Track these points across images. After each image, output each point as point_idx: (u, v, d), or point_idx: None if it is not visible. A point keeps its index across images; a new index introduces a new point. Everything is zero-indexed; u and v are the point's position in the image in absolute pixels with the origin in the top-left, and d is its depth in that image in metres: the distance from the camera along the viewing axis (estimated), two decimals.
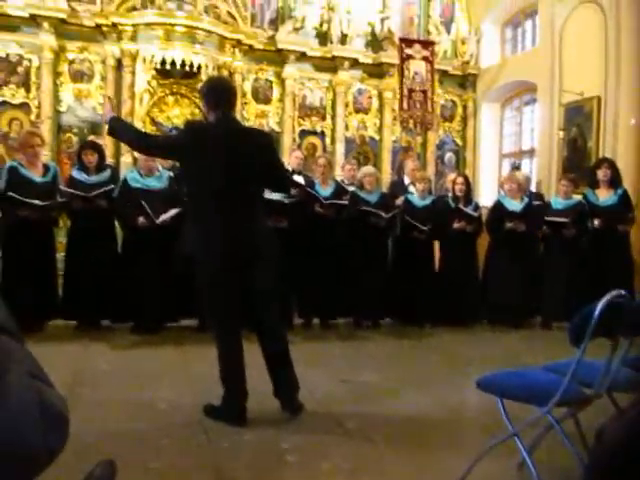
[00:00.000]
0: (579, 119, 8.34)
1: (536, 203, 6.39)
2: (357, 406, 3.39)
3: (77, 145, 8.51)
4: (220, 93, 3.24)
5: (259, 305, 3.18)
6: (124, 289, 5.20)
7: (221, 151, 3.07)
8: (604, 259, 5.87)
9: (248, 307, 3.17)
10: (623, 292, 2.03)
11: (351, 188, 6.04)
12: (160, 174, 5.38)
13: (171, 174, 5.69)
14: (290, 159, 6.18)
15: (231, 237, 3.04)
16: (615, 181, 6.08)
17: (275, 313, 3.26)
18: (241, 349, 3.10)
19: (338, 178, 6.58)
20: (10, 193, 4.76)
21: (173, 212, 5.10)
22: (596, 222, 5.91)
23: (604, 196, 6.08)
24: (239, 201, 3.09)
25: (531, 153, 10.03)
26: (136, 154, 6.99)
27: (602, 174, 6.07)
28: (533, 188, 8.10)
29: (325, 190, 5.76)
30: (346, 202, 5.75)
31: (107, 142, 7.75)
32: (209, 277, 3.11)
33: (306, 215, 5.48)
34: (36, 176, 5.04)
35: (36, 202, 4.81)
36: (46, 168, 5.18)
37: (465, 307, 6.10)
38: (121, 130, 3.34)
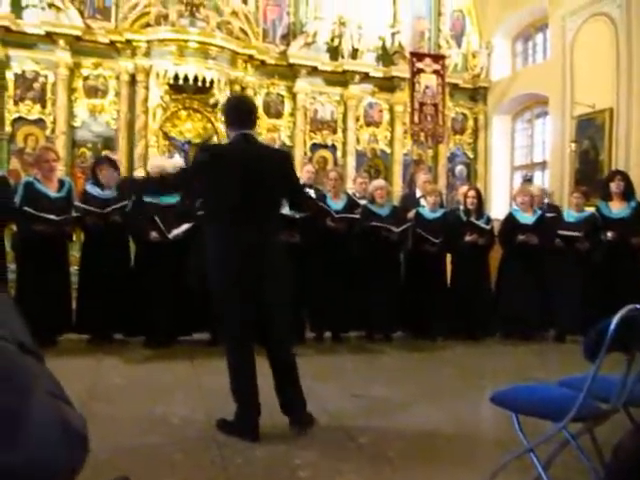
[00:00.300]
0: (591, 131, 8.32)
1: (549, 215, 6.35)
2: (370, 420, 3.37)
3: (91, 160, 8.64)
4: (240, 112, 3.28)
5: (269, 319, 3.19)
6: (136, 303, 5.23)
7: (237, 169, 3.10)
8: (618, 272, 5.83)
9: (258, 321, 3.18)
10: (638, 306, 2.02)
11: (363, 202, 6.05)
12: None
13: None
14: (301, 173, 6.21)
15: (246, 253, 3.07)
16: (628, 193, 6.04)
17: (285, 328, 3.27)
18: (253, 363, 3.10)
19: (350, 191, 6.60)
20: (26, 208, 4.82)
21: (185, 227, 5.13)
22: (609, 235, 5.87)
23: (617, 208, 6.04)
24: (254, 218, 3.12)
25: (543, 165, 10.01)
26: (148, 167, 7.07)
27: (615, 186, 6.03)
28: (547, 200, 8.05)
29: (337, 204, 5.77)
30: (357, 216, 5.75)
31: (120, 157, 7.85)
32: (223, 291, 3.12)
33: (318, 229, 5.49)
34: (51, 191, 5.09)
35: (51, 217, 4.87)
36: (61, 183, 5.24)
37: (478, 320, 6.06)
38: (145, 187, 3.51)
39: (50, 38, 8.31)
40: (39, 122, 8.50)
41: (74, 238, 5.98)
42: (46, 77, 8.49)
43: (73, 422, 0.82)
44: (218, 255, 3.13)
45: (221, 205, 3.14)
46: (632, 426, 2.42)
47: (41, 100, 8.49)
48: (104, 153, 8.24)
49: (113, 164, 5.53)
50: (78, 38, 8.43)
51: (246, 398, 3.06)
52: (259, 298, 3.14)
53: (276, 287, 3.17)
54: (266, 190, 3.17)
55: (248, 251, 3.07)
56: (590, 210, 6.20)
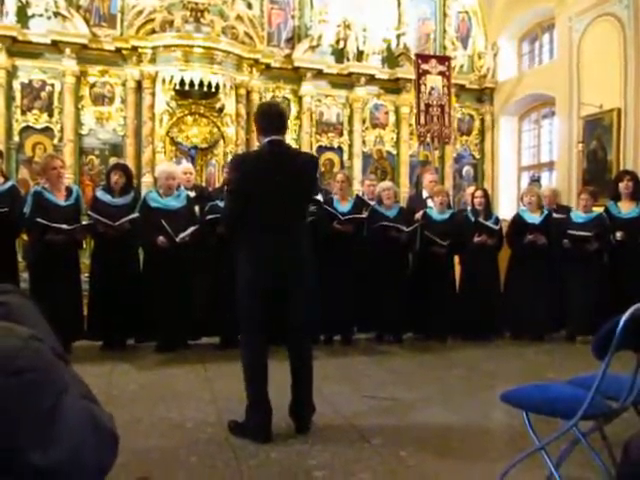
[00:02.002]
0: (599, 132, 8.31)
1: (558, 216, 6.35)
2: (382, 421, 3.39)
3: (99, 167, 8.71)
4: (268, 118, 3.32)
5: (292, 327, 3.24)
6: (145, 308, 5.27)
7: (268, 175, 3.16)
8: (627, 272, 5.82)
9: (282, 324, 3.23)
10: None
11: (372, 203, 6.07)
12: (179, 193, 5.46)
13: (190, 194, 5.78)
14: None
15: (276, 259, 3.13)
16: (637, 193, 6.03)
17: (306, 337, 3.34)
18: (266, 368, 3.16)
19: (359, 194, 6.62)
20: (38, 219, 4.85)
21: (191, 230, 5.18)
22: (618, 235, 5.86)
23: (626, 209, 6.03)
24: (284, 224, 3.19)
25: (550, 166, 10.00)
26: (156, 173, 7.12)
27: (624, 186, 6.02)
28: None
29: (344, 206, 5.80)
30: (363, 216, 5.77)
31: (129, 163, 7.91)
32: (251, 296, 3.17)
33: (325, 232, 5.51)
34: (60, 200, 5.12)
35: (63, 226, 4.90)
36: (69, 191, 5.27)
37: (487, 321, 6.07)
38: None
39: (56, 47, 8.39)
40: (47, 131, 8.57)
41: (84, 245, 6.03)
42: (53, 86, 8.56)
43: (104, 421, 0.85)
44: (246, 260, 3.19)
45: (252, 213, 3.17)
46: None
47: (48, 109, 8.56)
48: (112, 159, 8.32)
49: (127, 171, 5.57)
50: (84, 46, 8.50)
51: (258, 398, 3.11)
52: (284, 301, 3.21)
53: (302, 293, 3.23)
54: (295, 195, 3.24)
55: (280, 259, 3.13)
56: (598, 211, 6.18)
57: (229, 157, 8.76)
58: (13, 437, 0.69)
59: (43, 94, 8.55)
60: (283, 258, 3.15)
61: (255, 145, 9.11)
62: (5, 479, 0.68)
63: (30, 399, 0.71)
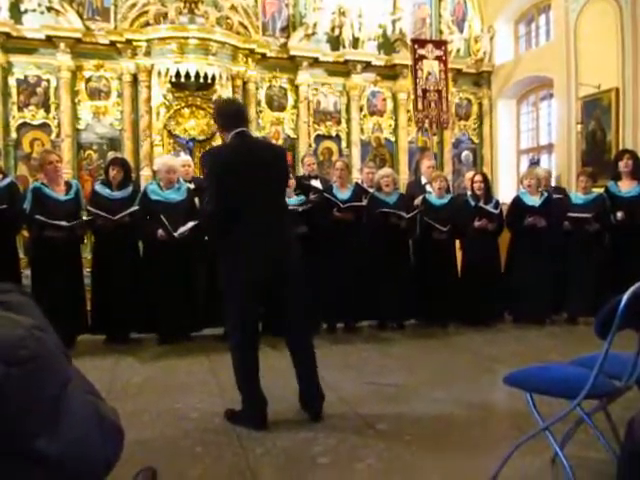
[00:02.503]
0: (597, 112, 8.27)
1: (556, 197, 6.34)
2: (386, 407, 3.40)
3: (97, 162, 8.68)
4: (228, 114, 3.35)
5: (289, 314, 3.24)
6: (147, 300, 5.28)
7: (239, 167, 3.17)
8: (628, 251, 5.81)
9: (278, 315, 3.24)
10: None
11: (371, 190, 6.06)
12: (179, 186, 5.45)
13: (191, 186, 5.78)
14: (303, 165, 6.26)
15: (260, 250, 3.11)
16: (637, 172, 6.01)
17: (304, 322, 3.33)
18: (257, 360, 3.19)
19: (358, 181, 6.61)
20: (37, 216, 4.85)
21: (191, 224, 5.16)
22: (619, 214, 5.85)
23: (626, 188, 6.01)
24: (262, 212, 3.16)
25: (549, 148, 9.97)
26: (156, 166, 7.11)
27: (624, 165, 6.01)
28: (554, 182, 8.04)
29: (343, 194, 5.79)
30: (363, 204, 5.76)
31: (127, 157, 7.89)
32: (233, 290, 3.17)
33: (325, 220, 5.51)
34: (60, 195, 5.12)
35: (63, 223, 4.90)
36: (68, 185, 5.27)
37: (489, 305, 6.07)
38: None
39: (51, 42, 8.34)
40: (44, 127, 8.55)
41: (85, 240, 6.04)
42: (48, 81, 8.53)
43: (109, 416, 0.85)
44: (230, 253, 3.17)
45: (232, 205, 3.14)
46: None
47: (45, 105, 8.53)
48: (110, 154, 8.30)
49: (125, 164, 5.55)
50: (78, 40, 8.46)
51: (252, 395, 3.15)
52: (276, 293, 3.20)
53: (293, 281, 3.22)
54: (270, 184, 3.23)
55: (264, 249, 3.11)
56: (597, 191, 6.17)
57: None
58: (18, 422, 0.69)
59: (39, 90, 8.52)
60: (268, 254, 3.12)
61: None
62: (12, 464, 0.69)
63: (34, 387, 0.71)
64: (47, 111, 8.54)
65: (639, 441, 1.41)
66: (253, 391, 3.14)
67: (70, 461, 0.76)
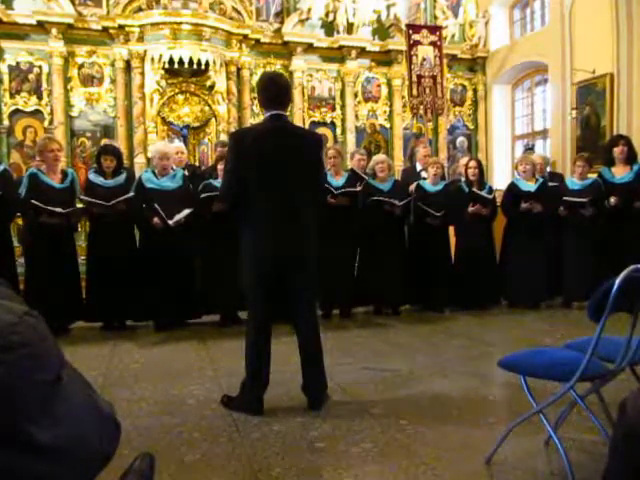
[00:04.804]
0: (592, 97, 8.27)
1: (552, 184, 6.35)
2: (382, 392, 3.43)
3: (91, 149, 8.64)
4: (268, 94, 3.22)
5: (298, 305, 3.25)
6: (144, 288, 5.29)
7: (263, 150, 3.11)
8: (622, 236, 5.84)
9: (288, 305, 3.24)
10: None
11: (365, 177, 6.05)
12: (174, 173, 5.44)
13: (186, 173, 5.76)
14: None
15: (278, 239, 3.11)
16: (631, 158, 6.03)
17: (313, 314, 3.35)
18: (269, 343, 3.19)
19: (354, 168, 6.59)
20: (33, 201, 4.84)
21: (186, 212, 5.15)
22: (612, 200, 5.87)
23: (620, 173, 6.03)
24: (287, 201, 3.13)
25: (544, 134, 9.97)
26: (149, 154, 7.08)
27: (618, 151, 6.02)
28: (549, 168, 8.05)
29: (337, 181, 5.79)
30: (357, 189, 5.76)
31: (120, 144, 7.86)
32: (252, 274, 3.17)
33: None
34: (55, 182, 5.12)
35: (58, 209, 4.89)
36: (64, 174, 5.26)
37: (484, 290, 6.11)
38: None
39: (42, 27, 8.27)
40: (37, 114, 8.50)
41: (80, 228, 6.02)
42: (40, 68, 8.47)
43: (106, 410, 0.85)
44: (251, 242, 3.16)
45: (253, 190, 3.11)
46: (638, 384, 2.47)
47: (37, 91, 8.47)
48: (104, 141, 8.25)
49: (116, 152, 5.53)
50: (70, 26, 8.38)
51: (257, 371, 3.15)
52: (289, 282, 3.20)
53: (304, 271, 3.21)
54: (297, 172, 3.16)
55: (281, 239, 3.11)
56: (593, 177, 6.19)
57: (221, 135, 8.70)
58: (11, 409, 0.69)
59: (31, 76, 8.46)
60: (285, 243, 3.11)
61: (248, 123, 9.05)
62: (8, 451, 0.69)
63: (27, 372, 0.71)
64: (39, 98, 8.48)
65: (631, 422, 1.43)
66: (257, 372, 3.14)
67: (67, 450, 0.75)
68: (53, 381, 0.75)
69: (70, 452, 0.75)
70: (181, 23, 8.36)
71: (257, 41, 9.26)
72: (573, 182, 6.20)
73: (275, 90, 3.22)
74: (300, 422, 2.95)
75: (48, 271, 5.01)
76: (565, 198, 5.97)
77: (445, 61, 9.38)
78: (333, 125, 9.87)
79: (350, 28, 9.59)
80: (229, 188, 3.23)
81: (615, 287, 1.96)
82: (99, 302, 5.29)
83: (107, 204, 5.07)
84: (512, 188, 6.29)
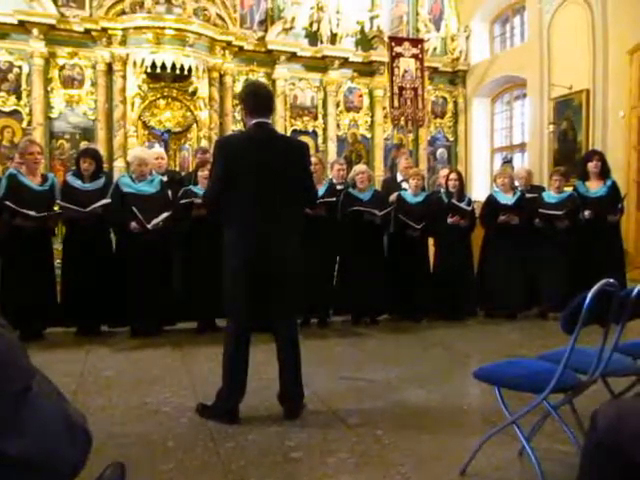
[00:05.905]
0: (569, 112, 8.43)
1: (529, 196, 6.44)
2: (358, 402, 3.43)
3: (70, 152, 8.55)
4: (253, 102, 3.25)
5: (278, 310, 3.24)
6: (120, 293, 5.23)
7: (252, 157, 3.12)
8: (596, 249, 5.95)
9: (267, 310, 3.22)
10: (612, 280, 2.09)
11: (339, 188, 6.07)
12: (152, 178, 5.40)
13: (163, 178, 5.72)
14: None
15: (259, 244, 3.10)
16: (605, 172, 6.16)
17: (293, 322, 3.33)
18: (247, 351, 3.18)
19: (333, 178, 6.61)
20: (7, 202, 4.77)
21: (164, 216, 5.12)
22: (586, 213, 5.99)
23: (594, 187, 6.15)
24: (270, 207, 3.13)
25: (522, 147, 10.12)
26: (129, 158, 7.03)
27: (593, 166, 6.14)
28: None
29: (318, 190, 5.78)
30: (334, 199, 5.76)
31: (100, 147, 7.78)
32: (234, 279, 3.16)
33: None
34: (35, 184, 5.06)
35: (31, 213, 4.82)
36: (44, 178, 5.20)
37: (461, 301, 6.15)
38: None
39: (24, 27, 8.19)
40: (15, 114, 8.40)
41: (56, 232, 5.94)
42: (20, 68, 8.38)
43: (77, 419, 0.84)
44: (233, 245, 3.16)
45: (237, 195, 3.12)
46: (610, 396, 2.51)
47: (16, 91, 8.39)
48: (83, 144, 8.17)
49: (96, 156, 5.48)
50: (52, 27, 8.32)
51: (234, 385, 3.12)
52: (271, 284, 3.18)
53: (286, 275, 3.20)
54: (282, 180, 3.17)
55: (263, 244, 3.10)
56: (569, 190, 6.29)
57: (203, 141, 8.68)
58: None
59: (10, 76, 8.37)
60: (268, 248, 3.11)
61: (229, 130, 9.04)
62: None
63: None
64: (19, 98, 8.39)
65: (602, 432, 1.45)
66: (234, 381, 3.11)
67: (35, 461, 0.74)
68: (21, 392, 0.74)
69: (39, 462, 0.74)
70: (164, 28, 8.35)
71: (240, 48, 9.27)
72: (550, 195, 6.30)
73: (259, 99, 3.26)
74: (276, 432, 2.94)
75: (23, 275, 4.93)
76: (541, 210, 6.06)
77: (426, 73, 9.49)
78: (315, 134, 9.91)
79: (334, 38, 9.66)
80: (216, 193, 3.24)
81: (588, 300, 2.00)
82: (74, 306, 5.21)
83: (84, 210, 5.01)
84: (491, 200, 6.37)
